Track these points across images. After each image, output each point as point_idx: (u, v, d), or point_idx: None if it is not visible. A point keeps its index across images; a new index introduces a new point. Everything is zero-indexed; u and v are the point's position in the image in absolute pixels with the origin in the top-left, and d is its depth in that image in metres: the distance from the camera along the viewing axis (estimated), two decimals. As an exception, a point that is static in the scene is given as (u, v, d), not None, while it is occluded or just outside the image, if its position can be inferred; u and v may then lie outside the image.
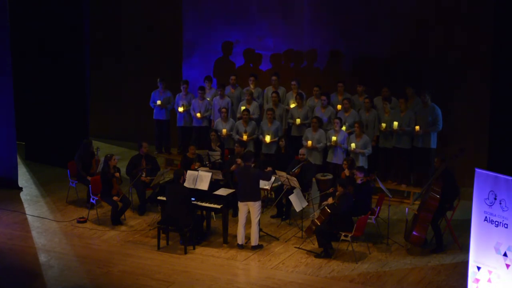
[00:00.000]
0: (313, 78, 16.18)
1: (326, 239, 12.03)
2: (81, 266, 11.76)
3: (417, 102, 14.58)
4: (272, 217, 13.68)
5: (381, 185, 12.90)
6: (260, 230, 12.70)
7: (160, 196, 12.81)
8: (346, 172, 13.03)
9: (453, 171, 12.68)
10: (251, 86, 16.04)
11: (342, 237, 12.06)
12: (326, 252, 12.04)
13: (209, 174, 12.77)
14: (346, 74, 15.96)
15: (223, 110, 15.32)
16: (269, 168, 13.05)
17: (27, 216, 13.85)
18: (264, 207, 13.58)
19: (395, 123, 14.21)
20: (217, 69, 17.45)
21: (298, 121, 15.07)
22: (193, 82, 16.95)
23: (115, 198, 13.41)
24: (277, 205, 13.65)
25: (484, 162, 13.29)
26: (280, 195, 13.47)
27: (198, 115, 15.93)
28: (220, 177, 13.40)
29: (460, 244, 12.36)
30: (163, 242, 12.42)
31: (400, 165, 14.59)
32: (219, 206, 12.49)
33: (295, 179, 13.06)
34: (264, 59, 17.01)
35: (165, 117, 16.60)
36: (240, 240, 12.41)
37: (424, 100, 14.22)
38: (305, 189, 13.47)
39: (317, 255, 12.06)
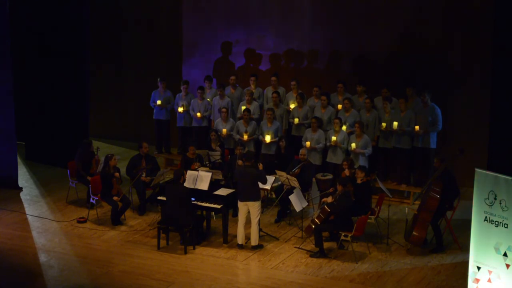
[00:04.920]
0: (313, 78, 16.18)
1: (322, 240, 12.06)
2: (81, 266, 11.76)
3: (417, 102, 14.58)
4: (276, 221, 13.61)
5: (381, 185, 12.91)
6: (260, 230, 12.70)
7: (160, 196, 12.81)
8: (346, 172, 13.04)
9: (453, 171, 12.68)
10: (252, 86, 16.04)
11: (342, 237, 12.07)
12: (321, 252, 12.03)
13: (209, 174, 12.77)
14: (346, 74, 15.96)
15: (223, 110, 15.32)
16: (260, 166, 13.02)
17: (27, 216, 13.85)
18: (264, 207, 13.58)
19: (395, 123, 14.22)
20: (217, 69, 17.46)
21: (296, 120, 15.07)
22: (193, 82, 16.95)
23: (115, 198, 13.41)
24: (281, 204, 13.62)
25: (484, 162, 13.28)
26: (280, 195, 13.47)
27: (198, 114, 15.94)
28: (220, 177, 13.40)
29: (460, 244, 12.36)
30: (163, 242, 12.42)
31: (400, 165, 14.60)
32: (219, 206, 12.49)
33: (295, 179, 13.06)
34: (264, 59, 17.01)
35: (165, 117, 16.60)
36: (240, 240, 12.41)
37: (424, 100, 14.23)
38: (305, 189, 13.46)
39: (313, 255, 12.06)
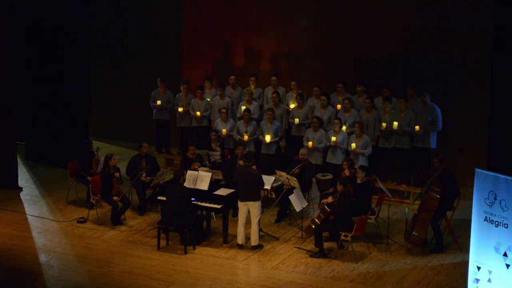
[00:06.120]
0: (313, 78, 16.17)
1: (322, 240, 12.06)
2: (81, 266, 11.76)
3: (417, 102, 14.58)
4: (276, 221, 13.61)
5: (381, 185, 12.91)
6: (260, 230, 12.70)
7: (160, 196, 12.81)
8: (346, 172, 13.04)
9: (453, 171, 12.68)
10: (252, 86, 16.04)
11: (342, 237, 12.07)
12: (321, 252, 12.04)
13: (209, 174, 12.77)
14: (346, 74, 15.96)
15: (223, 110, 15.31)
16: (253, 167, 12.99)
17: (27, 216, 13.85)
18: (264, 207, 13.58)
19: (395, 123, 14.22)
20: (217, 69, 17.46)
21: (296, 120, 15.07)
22: (193, 82, 16.94)
23: (115, 198, 13.41)
24: (281, 204, 13.62)
25: (484, 162, 13.29)
26: (280, 195, 13.46)
27: (198, 113, 15.94)
28: (220, 177, 13.40)
29: (460, 244, 12.36)
30: (163, 242, 12.42)
31: (400, 165, 14.60)
32: (219, 206, 12.49)
33: (295, 179, 13.06)
34: (264, 59, 17.01)
35: (165, 117, 16.60)
36: (240, 240, 12.41)
37: (424, 100, 14.23)
38: (305, 189, 13.46)
39: (313, 255, 12.06)
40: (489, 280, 10.00)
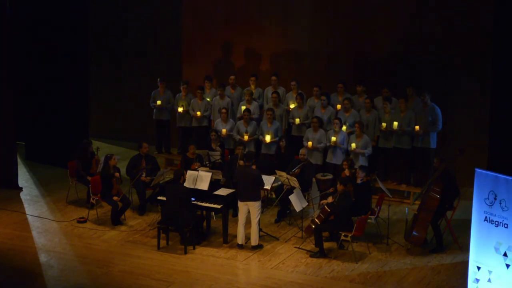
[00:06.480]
0: (313, 78, 16.17)
1: (322, 240, 12.06)
2: (81, 266, 11.76)
3: (417, 102, 14.58)
4: (276, 221, 13.61)
5: (381, 185, 12.91)
6: (260, 230, 12.70)
7: (160, 196, 12.81)
8: (346, 172, 13.04)
9: (453, 171, 12.68)
10: (252, 86, 16.04)
11: (342, 237, 12.07)
12: (321, 252, 12.03)
13: (209, 174, 12.77)
14: (346, 74, 15.96)
15: (223, 111, 15.31)
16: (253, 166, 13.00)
17: (27, 216, 13.86)
18: (264, 207, 13.58)
19: (395, 123, 14.22)
20: (217, 69, 17.45)
21: (297, 120, 15.07)
22: (193, 82, 16.94)
23: (115, 198, 13.41)
24: (281, 204, 13.61)
25: (484, 162, 13.29)
26: (280, 195, 13.46)
27: (198, 113, 15.94)
28: (220, 177, 13.40)
29: (460, 244, 12.36)
30: (163, 242, 12.42)
31: (400, 165, 14.60)
32: (219, 206, 12.49)
33: (295, 179, 13.06)
34: (264, 59, 17.00)
35: (165, 117, 16.60)
36: (240, 240, 12.41)
37: (424, 100, 14.23)
38: (305, 189, 13.46)
39: (313, 255, 12.06)
40: (489, 280, 10.00)
